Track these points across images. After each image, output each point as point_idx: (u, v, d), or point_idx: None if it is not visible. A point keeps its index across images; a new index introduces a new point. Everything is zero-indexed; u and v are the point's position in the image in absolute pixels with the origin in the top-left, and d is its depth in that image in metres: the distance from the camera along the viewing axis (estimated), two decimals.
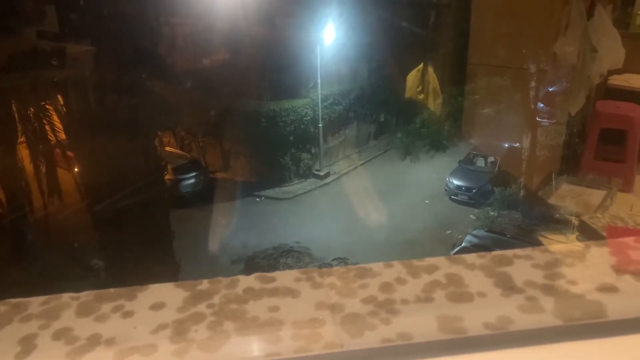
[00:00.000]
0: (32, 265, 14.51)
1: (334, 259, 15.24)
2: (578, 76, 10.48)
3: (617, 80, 13.20)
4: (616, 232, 3.19)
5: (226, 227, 17.97)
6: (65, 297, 1.33)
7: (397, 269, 1.41)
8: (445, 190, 19.97)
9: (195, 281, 1.35)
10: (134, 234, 13.43)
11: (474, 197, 19.14)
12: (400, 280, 1.35)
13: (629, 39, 11.85)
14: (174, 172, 19.76)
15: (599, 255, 1.46)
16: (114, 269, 13.23)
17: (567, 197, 11.67)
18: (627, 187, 12.42)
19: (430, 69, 16.10)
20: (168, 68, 17.23)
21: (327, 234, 17.47)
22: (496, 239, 14.86)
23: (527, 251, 1.46)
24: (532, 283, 1.32)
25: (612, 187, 12.14)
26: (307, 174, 22.03)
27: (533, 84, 12.61)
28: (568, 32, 10.14)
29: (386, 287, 1.33)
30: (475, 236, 15.25)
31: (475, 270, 1.38)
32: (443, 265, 1.40)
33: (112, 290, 1.36)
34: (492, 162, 20.26)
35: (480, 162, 20.48)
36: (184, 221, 17.75)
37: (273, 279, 1.35)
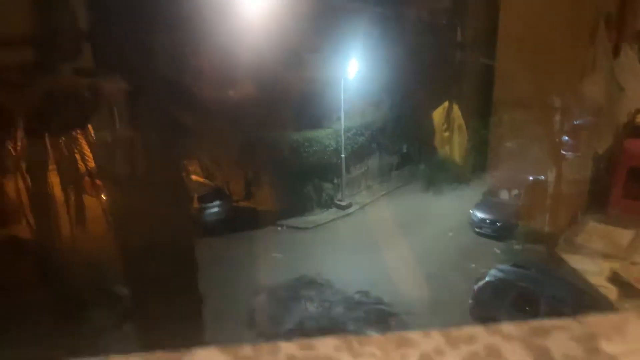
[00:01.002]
0: (58, 290, 14.72)
1: (356, 292, 15.12)
2: (605, 115, 10.42)
3: None
4: None
5: (248, 256, 18.01)
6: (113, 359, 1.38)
7: (436, 338, 1.43)
8: (469, 222, 19.77)
9: (237, 346, 1.39)
10: (159, 266, 13.55)
11: (498, 230, 18.91)
12: (439, 352, 1.37)
13: None
14: (198, 201, 20.00)
15: (637, 325, 1.45)
16: (138, 298, 13.32)
17: (594, 235, 11.44)
18: None
19: (456, 107, 16.19)
20: (195, 99, 17.58)
21: (349, 265, 17.37)
22: (521, 274, 14.61)
23: (565, 322, 1.47)
24: (571, 357, 1.33)
25: None
26: (329, 204, 22.08)
27: (558, 120, 12.56)
28: (594, 71, 10.12)
29: (426, 358, 1.35)
30: (500, 270, 15.01)
31: (513, 341, 1.39)
32: (481, 336, 1.41)
33: (159, 353, 1.41)
34: (516, 195, 20.06)
35: (505, 195, 20.29)
36: (207, 250, 17.84)
37: (313, 347, 1.39)
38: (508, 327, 1.45)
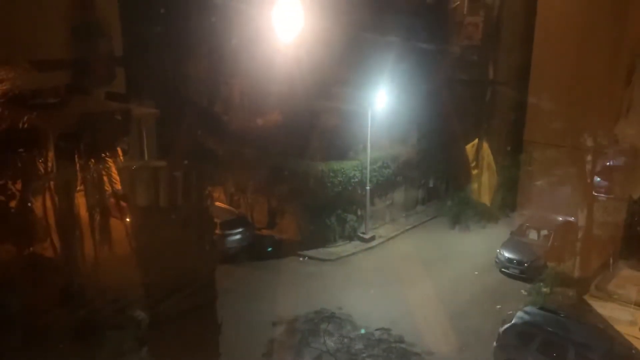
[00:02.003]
0: (78, 311, 14.72)
1: (377, 329, 14.76)
2: None
3: None
4: None
5: (268, 286, 17.82)
6: None
7: None
8: (496, 262, 19.27)
9: None
10: (177, 291, 13.50)
11: (526, 271, 18.37)
12: None
13: None
14: (221, 227, 19.97)
15: None
16: (156, 323, 13.26)
17: (628, 283, 10.95)
18: None
19: (485, 145, 15.98)
20: (223, 126, 17.79)
21: (370, 300, 17.03)
22: (549, 317, 14.10)
23: None
24: None
25: None
26: (352, 236, 21.84)
27: (590, 161, 12.23)
28: (630, 113, 9.85)
29: None
30: (527, 313, 14.51)
31: None
32: None
33: None
34: (545, 236, 19.50)
35: (533, 235, 19.74)
36: (227, 277, 17.73)
37: None
38: None
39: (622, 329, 9.93)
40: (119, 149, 15.69)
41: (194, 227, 12.30)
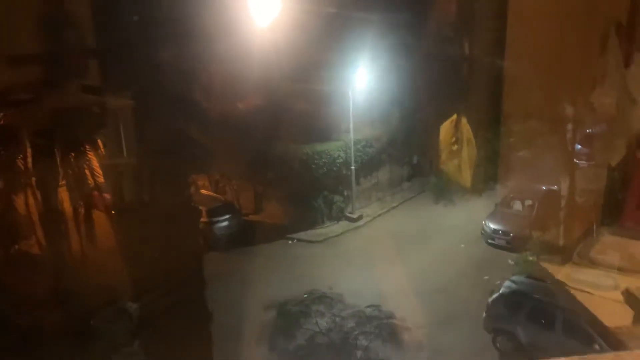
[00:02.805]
0: (68, 306, 14.70)
1: (367, 306, 14.91)
2: (618, 126, 10.22)
3: None
4: None
5: (258, 270, 17.90)
6: None
7: None
8: (482, 234, 19.51)
9: None
10: (167, 278, 13.52)
11: (512, 241, 18.63)
12: None
13: None
14: (207, 215, 19.96)
15: None
16: (147, 314, 13.28)
17: (610, 249, 11.17)
18: None
19: (464, 120, 16.02)
20: (204, 113, 17.64)
21: (360, 279, 17.19)
22: (536, 285, 14.35)
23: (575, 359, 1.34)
24: None
25: None
26: (340, 216, 21.95)
27: (570, 130, 12.36)
28: (606, 82, 9.93)
29: None
30: (514, 282, 14.74)
31: None
32: None
33: None
34: (529, 206, 19.76)
35: (518, 206, 19.99)
36: (216, 264, 17.79)
37: None
38: None
39: (605, 294, 10.17)
40: (99, 142, 15.54)
41: (179, 213, 12.27)
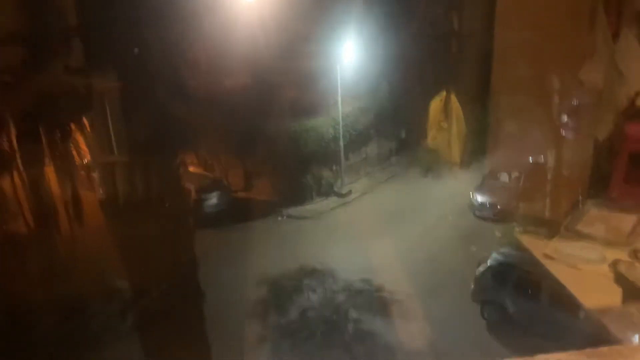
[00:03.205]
0: (58, 286, 14.72)
1: (358, 280, 15.13)
2: (605, 100, 10.27)
3: None
4: None
5: (249, 247, 18.00)
6: None
7: None
8: (470, 206, 19.72)
9: None
10: (156, 256, 13.55)
11: (499, 213, 18.85)
12: None
13: None
14: (197, 193, 19.94)
15: None
16: (139, 293, 13.35)
17: (596, 222, 11.32)
18: None
19: (453, 97, 15.98)
20: (191, 91, 17.45)
21: (351, 253, 17.36)
22: (523, 257, 14.56)
23: (573, 355, 1.40)
24: None
25: None
26: (329, 192, 22.02)
27: (557, 103, 12.41)
28: (594, 57, 9.93)
29: None
30: (502, 254, 14.96)
31: None
32: None
33: None
34: (516, 178, 19.95)
35: (505, 178, 20.18)
36: (207, 241, 17.84)
37: None
38: None
39: (591, 267, 10.37)
40: (85, 122, 15.37)
41: (168, 190, 12.24)
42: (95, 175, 17.28)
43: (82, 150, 15.69)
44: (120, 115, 12.71)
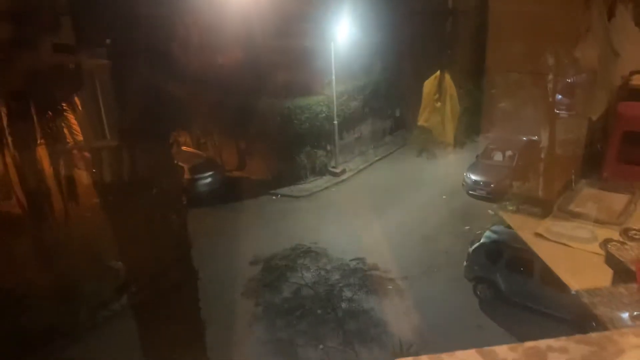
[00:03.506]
0: (54, 265, 14.72)
1: (352, 259, 15.20)
2: (599, 79, 10.23)
3: (639, 81, 12.82)
4: None
5: (243, 226, 18.02)
6: None
7: None
8: (463, 185, 19.77)
9: None
10: (150, 235, 13.52)
11: (492, 192, 18.93)
12: None
13: None
14: (190, 172, 19.86)
15: (637, 345, 1.38)
16: (133, 271, 13.36)
17: (589, 201, 11.38)
18: None
19: (447, 76, 15.83)
20: (182, 68, 17.22)
21: (345, 232, 17.43)
22: (515, 235, 14.68)
23: (562, 342, 1.39)
24: None
25: (635, 190, 11.81)
26: (323, 171, 22.00)
27: (551, 81, 12.36)
28: (589, 35, 9.85)
29: None
30: (494, 232, 15.07)
31: None
32: None
33: None
34: (510, 156, 19.99)
35: (499, 157, 20.22)
36: (201, 221, 17.84)
37: None
38: (503, 350, 1.37)
39: (582, 246, 10.47)
40: (76, 100, 15.19)
41: (161, 169, 12.16)
42: (86, 154, 17.16)
43: (73, 129, 15.53)
44: (111, 93, 12.54)
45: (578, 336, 1.39)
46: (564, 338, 1.40)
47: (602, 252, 8.52)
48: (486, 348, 1.38)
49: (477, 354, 1.36)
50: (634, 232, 10.08)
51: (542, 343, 1.38)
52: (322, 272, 14.99)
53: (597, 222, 10.73)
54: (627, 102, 12.92)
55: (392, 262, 15.48)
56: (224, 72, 19.24)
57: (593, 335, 1.39)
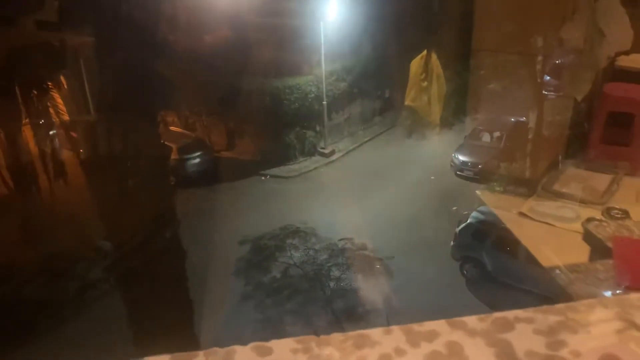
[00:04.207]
0: (41, 246, 14.68)
1: (340, 239, 15.30)
2: (585, 60, 10.27)
3: (625, 62, 12.92)
4: (622, 243, 3.15)
5: (232, 207, 18.02)
6: None
7: (397, 335, 1.38)
8: (451, 166, 19.86)
9: (190, 353, 1.33)
10: (138, 216, 13.49)
11: (480, 173, 19.04)
12: (400, 351, 1.33)
13: (637, 19, 11.54)
14: (178, 152, 19.75)
15: (605, 316, 1.42)
16: (121, 252, 13.35)
17: (573, 181, 11.53)
18: (633, 171, 12.27)
19: (434, 56, 15.80)
20: (170, 47, 17.01)
21: (333, 213, 17.49)
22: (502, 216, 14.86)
23: (529, 312, 1.43)
24: (534, 354, 1.30)
25: (618, 171, 12.00)
26: (312, 151, 21.98)
27: (539, 62, 12.40)
28: (575, 16, 9.87)
29: (385, 359, 1.31)
30: (481, 212, 15.24)
31: (476, 337, 1.35)
32: (443, 331, 1.37)
33: None
34: (497, 137, 20.08)
35: (486, 138, 20.29)
36: (190, 201, 17.82)
37: (270, 350, 1.33)
38: (472, 320, 1.41)
39: (565, 225, 10.64)
40: (62, 79, 14.99)
41: (147, 157, 12.09)
42: (71, 133, 17.01)
43: (59, 107, 15.35)
44: (97, 71, 12.38)
45: (545, 307, 1.43)
46: (531, 309, 1.44)
47: (583, 236, 8.65)
48: (455, 319, 1.41)
49: (446, 324, 1.40)
50: (616, 211, 10.28)
51: (510, 314, 1.42)
52: (311, 252, 15.11)
53: (581, 201, 10.89)
54: (612, 82, 13.01)
55: (380, 241, 15.60)
56: (212, 51, 19.05)
57: (560, 305, 1.43)
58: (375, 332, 1.38)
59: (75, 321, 12.95)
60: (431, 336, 1.36)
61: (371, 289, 13.96)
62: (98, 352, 10.43)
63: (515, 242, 13.35)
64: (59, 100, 15.85)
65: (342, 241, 15.45)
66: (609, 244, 2.88)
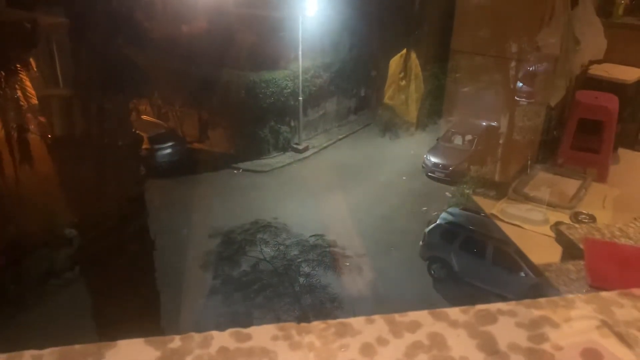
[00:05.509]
0: (5, 232, 14.24)
1: (311, 235, 15.27)
2: (560, 67, 10.49)
3: (597, 70, 13.26)
4: (593, 245, 3.21)
5: (203, 199, 17.81)
6: (27, 355, 1.25)
7: (379, 325, 1.36)
8: (423, 167, 20.06)
9: (166, 337, 1.28)
10: (110, 203, 13.23)
11: (451, 175, 19.27)
12: (382, 341, 1.31)
13: (611, 29, 11.87)
14: (150, 142, 19.40)
15: (584, 311, 1.43)
16: (87, 240, 13.07)
17: (542, 185, 11.78)
18: (601, 178, 12.62)
19: (413, 55, 15.92)
20: (146, 34, 16.71)
21: (305, 209, 17.47)
22: (470, 217, 15.09)
23: (511, 305, 1.43)
24: (516, 347, 1.29)
25: (587, 176, 12.32)
26: (286, 147, 21.88)
27: (513, 67, 12.62)
28: (552, 22, 10.06)
29: (367, 348, 1.28)
30: (451, 214, 15.43)
31: (459, 328, 1.34)
32: (426, 322, 1.36)
33: (77, 347, 1.28)
34: (469, 140, 20.35)
35: (458, 140, 20.55)
36: (160, 192, 17.55)
37: (249, 337, 1.29)
38: (455, 312, 1.40)
39: (535, 228, 10.88)
40: (31, 61, 14.54)
41: (117, 145, 11.84)
42: (40, 116, 16.54)
43: (27, 90, 14.89)
44: (68, 54, 12.05)
45: (527, 301, 1.43)
46: (514, 302, 1.43)
47: (553, 234, 8.86)
48: (438, 310, 1.40)
49: (429, 315, 1.38)
50: (583, 216, 10.55)
51: (493, 306, 1.41)
52: (281, 247, 15.03)
53: (550, 205, 11.13)
54: (584, 90, 13.34)
55: (350, 239, 15.66)
56: (188, 41, 18.79)
57: (542, 300, 1.43)
58: (357, 321, 1.36)
59: (37, 310, 12.61)
60: (414, 327, 1.34)
61: (340, 286, 13.99)
62: (64, 339, 10.17)
63: (483, 245, 13.58)
64: (28, 84, 15.39)
65: (313, 237, 15.44)
66: (581, 245, 2.94)
